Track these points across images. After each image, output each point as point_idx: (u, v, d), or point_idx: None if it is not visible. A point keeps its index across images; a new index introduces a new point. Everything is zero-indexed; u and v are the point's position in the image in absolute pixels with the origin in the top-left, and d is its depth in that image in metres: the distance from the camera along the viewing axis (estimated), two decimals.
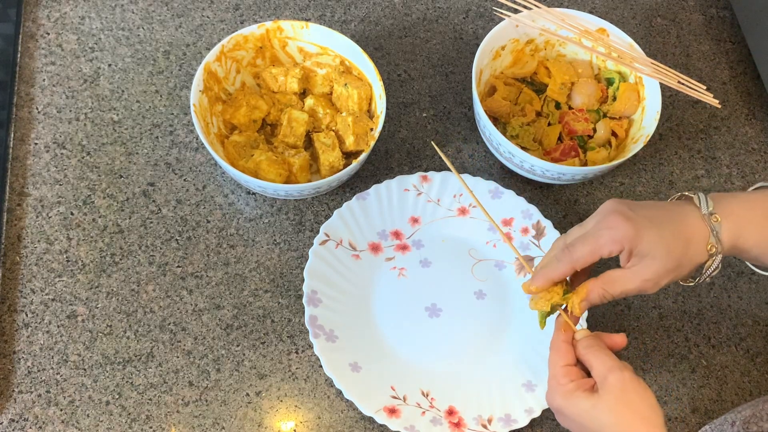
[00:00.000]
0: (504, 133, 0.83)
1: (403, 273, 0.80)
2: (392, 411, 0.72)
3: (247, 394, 0.74)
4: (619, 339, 0.62)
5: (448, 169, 0.86)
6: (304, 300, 0.75)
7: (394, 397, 0.73)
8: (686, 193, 0.63)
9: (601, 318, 0.81)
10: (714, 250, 0.60)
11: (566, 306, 0.64)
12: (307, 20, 0.89)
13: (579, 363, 0.61)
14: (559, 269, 0.62)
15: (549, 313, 0.64)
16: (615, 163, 0.78)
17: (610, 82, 0.87)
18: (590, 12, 0.90)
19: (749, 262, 0.66)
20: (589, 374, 0.60)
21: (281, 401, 0.74)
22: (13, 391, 0.71)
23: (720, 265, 0.61)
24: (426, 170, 0.84)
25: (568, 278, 0.64)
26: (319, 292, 0.76)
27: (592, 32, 0.84)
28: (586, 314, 0.77)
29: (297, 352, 0.76)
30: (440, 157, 0.87)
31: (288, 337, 0.77)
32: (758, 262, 0.64)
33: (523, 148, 0.82)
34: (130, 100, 0.86)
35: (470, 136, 0.89)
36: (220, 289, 0.78)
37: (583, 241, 0.61)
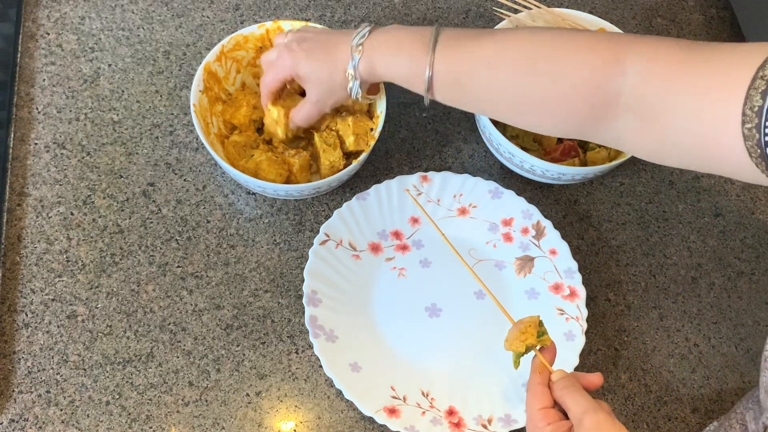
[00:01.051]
0: (504, 133, 0.83)
1: (403, 273, 0.80)
2: (392, 411, 0.72)
3: (247, 394, 0.74)
4: (595, 378, 0.62)
5: (448, 169, 0.86)
6: (304, 300, 0.75)
7: (394, 397, 0.73)
8: (363, 23, 0.70)
9: (601, 318, 0.81)
10: (350, 75, 0.69)
11: (540, 347, 0.64)
12: (307, 20, 0.89)
13: (556, 404, 0.61)
14: (263, 100, 0.77)
15: (523, 354, 0.64)
16: (615, 163, 0.78)
17: None
18: (590, 12, 0.90)
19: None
20: (566, 415, 0.60)
21: (281, 401, 0.74)
22: (13, 391, 0.71)
23: (359, 90, 0.70)
24: (426, 170, 0.84)
25: (541, 319, 0.65)
26: (319, 292, 0.76)
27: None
28: (586, 314, 0.77)
29: (297, 352, 0.76)
30: (440, 158, 0.87)
31: (288, 337, 0.77)
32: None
33: (523, 148, 0.82)
34: (130, 100, 0.86)
35: (470, 136, 0.89)
36: (220, 289, 0.78)
37: (267, 68, 0.75)
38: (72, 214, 0.79)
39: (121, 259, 0.78)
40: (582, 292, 0.78)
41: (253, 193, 0.83)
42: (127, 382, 0.73)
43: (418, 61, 0.66)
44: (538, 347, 0.64)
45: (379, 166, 0.86)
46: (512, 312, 0.79)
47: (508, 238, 0.82)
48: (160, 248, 0.79)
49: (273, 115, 0.77)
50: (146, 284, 0.77)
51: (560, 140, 0.85)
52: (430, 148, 0.88)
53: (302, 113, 0.75)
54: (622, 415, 0.77)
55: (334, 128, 0.82)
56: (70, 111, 0.84)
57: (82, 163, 0.82)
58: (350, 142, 0.79)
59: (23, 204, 0.79)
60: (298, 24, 0.81)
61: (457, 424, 0.73)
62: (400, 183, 0.82)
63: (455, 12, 0.97)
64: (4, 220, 0.77)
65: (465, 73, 0.65)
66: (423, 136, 0.88)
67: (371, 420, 0.73)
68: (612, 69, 0.59)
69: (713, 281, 0.85)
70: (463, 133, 0.89)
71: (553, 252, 0.81)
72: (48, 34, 0.88)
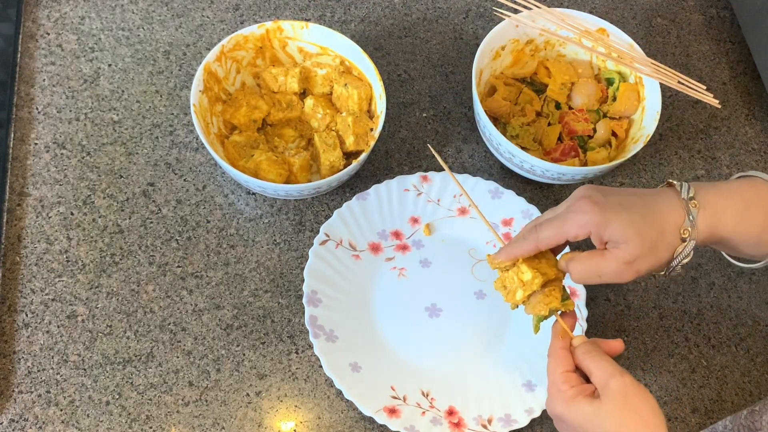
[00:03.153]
0: (504, 133, 0.83)
1: (403, 273, 0.80)
2: (392, 411, 0.72)
3: (247, 394, 0.74)
4: (617, 345, 0.62)
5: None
6: (304, 300, 0.75)
7: (394, 397, 0.73)
8: (670, 180, 0.63)
9: (601, 318, 0.81)
10: (687, 234, 0.60)
11: (562, 312, 0.63)
12: (307, 20, 0.89)
13: (578, 369, 0.61)
14: (522, 247, 0.62)
15: (545, 317, 0.64)
16: (615, 163, 0.78)
17: (610, 82, 0.87)
18: (590, 12, 0.90)
19: (726, 254, 0.66)
20: (588, 380, 0.60)
21: (281, 401, 0.74)
22: (13, 391, 0.71)
23: (692, 253, 0.61)
24: (426, 170, 0.84)
25: (565, 286, 0.63)
26: (319, 292, 0.76)
27: (592, 32, 0.84)
28: (586, 314, 0.77)
29: (297, 352, 0.76)
30: (434, 149, 0.87)
31: (288, 337, 0.77)
32: (736, 252, 0.64)
33: (523, 148, 0.82)
34: (130, 100, 0.86)
35: (470, 136, 0.89)
36: (220, 289, 0.78)
37: (549, 223, 0.62)
38: (72, 214, 0.79)
39: (121, 259, 0.78)
40: (582, 292, 0.78)
41: (253, 193, 0.83)
42: (127, 382, 0.73)
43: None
44: (559, 312, 0.63)
45: (379, 166, 0.86)
46: (512, 312, 0.79)
47: (508, 238, 0.82)
48: (160, 248, 0.79)
49: (523, 277, 0.62)
50: (146, 284, 0.77)
51: (560, 140, 0.85)
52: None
53: (605, 269, 0.60)
54: None
55: (334, 128, 0.82)
56: (70, 111, 0.84)
57: (82, 163, 0.82)
58: (350, 142, 0.79)
59: (23, 204, 0.79)
60: (298, 24, 0.81)
61: (457, 424, 0.73)
62: (400, 183, 0.82)
63: (455, 12, 0.97)
64: (4, 220, 0.77)
65: None
66: (423, 136, 0.88)
67: (371, 420, 0.73)
68: None
69: (713, 281, 0.85)
70: (463, 133, 0.89)
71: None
72: (48, 34, 0.88)
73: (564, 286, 0.64)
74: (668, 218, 0.60)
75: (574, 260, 0.62)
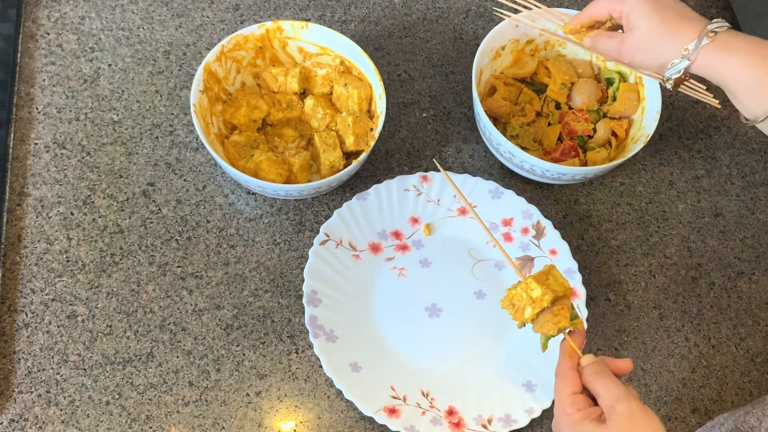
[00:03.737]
0: (504, 133, 0.83)
1: (403, 273, 0.80)
2: (392, 411, 0.72)
3: (247, 394, 0.74)
4: (625, 365, 0.61)
5: (449, 169, 0.86)
6: (304, 300, 0.75)
7: (394, 397, 0.73)
8: (718, 20, 0.66)
9: (601, 318, 0.81)
10: (686, 53, 0.64)
11: (570, 330, 0.63)
12: (307, 20, 0.89)
13: (585, 390, 0.60)
14: (580, 15, 0.73)
15: (553, 336, 0.63)
16: (615, 163, 0.78)
17: (610, 82, 0.87)
18: None
19: (729, 97, 0.68)
20: (595, 401, 0.59)
21: (281, 401, 0.74)
22: (13, 391, 0.71)
23: (682, 72, 0.66)
24: (426, 170, 0.84)
25: (575, 305, 0.63)
26: (319, 292, 0.76)
27: None
28: (586, 314, 0.77)
29: (297, 352, 0.76)
30: (440, 157, 0.87)
31: (288, 337, 0.77)
32: (732, 99, 0.66)
33: (523, 148, 0.82)
34: (130, 100, 0.86)
35: (470, 136, 0.89)
36: (220, 289, 0.78)
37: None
38: (72, 214, 0.79)
39: (121, 259, 0.78)
40: (582, 292, 0.78)
41: (253, 193, 0.83)
42: (127, 382, 0.73)
43: None
44: (568, 330, 0.63)
45: (379, 166, 0.86)
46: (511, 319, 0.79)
47: (508, 238, 0.82)
48: (160, 248, 0.79)
49: (533, 293, 0.63)
50: (146, 284, 0.77)
51: (560, 140, 0.85)
52: (430, 148, 0.88)
53: (604, 44, 0.70)
54: None
55: (334, 128, 0.82)
56: (70, 111, 0.84)
57: (82, 163, 0.82)
58: (350, 142, 0.79)
59: (23, 204, 0.79)
60: (298, 24, 0.81)
61: (457, 424, 0.73)
62: (400, 183, 0.82)
63: (455, 12, 0.97)
64: (4, 220, 0.77)
65: None
66: (423, 136, 0.88)
67: (371, 420, 0.73)
68: None
69: (713, 281, 0.85)
70: (463, 133, 0.89)
71: (553, 252, 0.81)
72: (48, 34, 0.88)
73: (573, 305, 0.63)
74: (682, 32, 0.65)
75: (598, 34, 0.71)
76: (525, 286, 0.62)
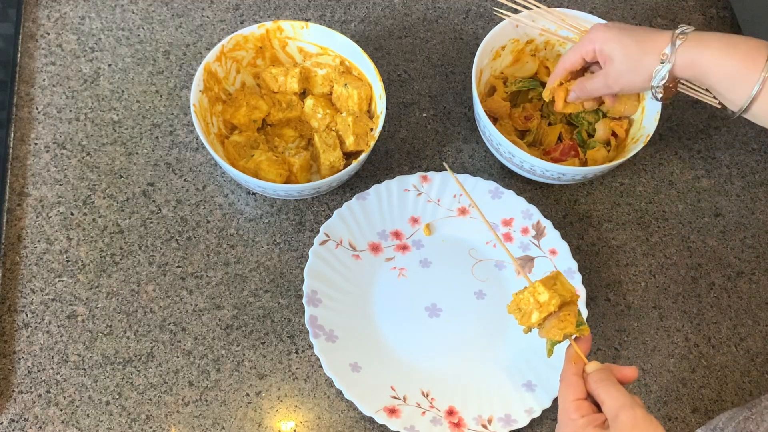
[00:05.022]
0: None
1: (403, 273, 0.80)
2: (392, 411, 0.72)
3: (247, 394, 0.74)
4: (630, 372, 0.61)
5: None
6: (304, 300, 0.75)
7: (394, 397, 0.73)
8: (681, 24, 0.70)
9: (601, 318, 0.81)
10: (665, 57, 0.68)
11: (576, 336, 0.63)
12: (307, 20, 0.89)
13: (589, 396, 0.60)
14: (555, 73, 0.77)
15: (559, 342, 0.63)
16: (615, 163, 0.78)
17: None
18: (590, 12, 0.90)
19: (715, 95, 0.70)
20: (599, 408, 0.59)
21: (281, 401, 0.74)
22: (13, 391, 0.71)
23: (667, 76, 0.69)
24: (426, 170, 0.84)
25: (580, 312, 0.65)
26: (319, 292, 0.76)
27: None
28: (586, 314, 0.77)
29: (297, 352, 0.76)
30: (440, 158, 0.87)
31: (288, 337, 0.77)
32: (714, 90, 0.69)
33: (530, 145, 0.82)
34: (130, 100, 0.86)
35: (470, 136, 0.89)
36: (220, 289, 0.78)
37: (570, 49, 0.76)
38: (72, 214, 0.79)
39: (121, 259, 0.78)
40: (582, 292, 0.78)
41: (253, 193, 0.83)
42: (127, 382, 0.73)
43: (752, 59, 0.64)
44: (573, 337, 0.63)
45: (379, 166, 0.86)
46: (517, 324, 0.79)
47: (508, 238, 0.82)
48: (160, 248, 0.79)
49: (540, 297, 0.62)
50: (146, 284, 0.77)
51: (560, 140, 0.85)
52: (430, 148, 0.88)
53: (590, 85, 0.75)
54: None
55: (334, 128, 0.82)
56: (70, 111, 0.84)
57: (82, 163, 0.82)
58: (350, 142, 0.79)
59: (23, 204, 0.79)
60: (298, 24, 0.81)
61: (457, 424, 0.73)
62: (400, 183, 0.82)
63: (455, 12, 0.97)
64: (4, 220, 0.77)
65: None
66: (423, 136, 0.88)
67: (371, 420, 0.73)
68: None
69: (713, 281, 0.85)
70: (463, 133, 0.89)
71: (553, 252, 0.81)
72: (48, 34, 0.88)
73: (579, 311, 0.63)
74: (654, 43, 0.69)
75: (579, 81, 0.76)
76: (532, 290, 0.62)
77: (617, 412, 0.57)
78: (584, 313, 0.77)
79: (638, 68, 0.70)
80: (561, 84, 0.78)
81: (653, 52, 0.69)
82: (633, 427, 0.56)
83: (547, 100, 0.79)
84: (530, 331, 0.64)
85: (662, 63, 0.69)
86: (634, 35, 0.71)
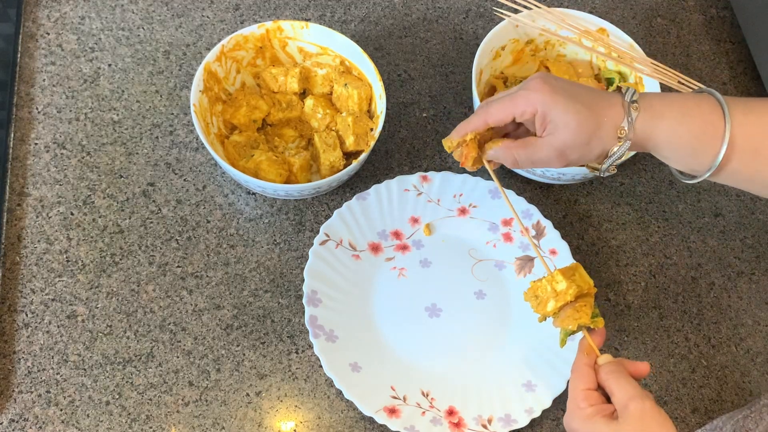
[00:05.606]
0: None
1: (403, 273, 0.80)
2: (392, 411, 0.72)
3: (247, 394, 0.74)
4: (643, 367, 0.61)
5: (448, 169, 0.86)
6: (304, 300, 0.75)
7: (394, 397, 0.73)
8: (620, 85, 0.63)
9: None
10: (623, 134, 0.61)
11: (590, 328, 0.63)
12: (307, 20, 0.89)
13: (600, 388, 0.60)
14: (473, 122, 0.65)
15: (573, 332, 0.63)
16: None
17: (610, 82, 0.87)
18: (590, 12, 0.90)
19: (672, 168, 0.66)
20: (609, 400, 0.59)
21: (281, 401, 0.74)
22: (13, 391, 0.71)
23: (624, 154, 0.62)
24: (426, 170, 0.84)
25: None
26: (319, 292, 0.76)
27: (592, 32, 0.84)
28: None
29: (297, 352, 0.76)
30: (440, 158, 0.87)
31: (288, 337, 0.77)
32: (673, 163, 0.64)
33: None
34: (130, 100, 0.86)
35: None
36: (220, 289, 0.78)
37: (501, 100, 0.64)
38: (72, 214, 0.79)
39: (121, 259, 0.78)
40: None
41: (253, 193, 0.83)
42: (127, 382, 0.73)
43: (711, 123, 0.60)
44: (588, 328, 0.63)
45: (379, 166, 0.86)
46: (513, 312, 0.79)
47: (508, 238, 0.82)
48: (160, 248, 0.79)
49: (557, 286, 0.62)
50: (146, 284, 0.77)
51: None
52: (430, 148, 0.88)
53: (537, 155, 0.63)
54: None
55: (334, 128, 0.82)
56: (70, 111, 0.84)
57: (82, 163, 0.82)
58: (350, 142, 0.79)
59: (23, 204, 0.79)
60: (298, 24, 0.81)
61: (457, 424, 0.73)
62: (400, 183, 0.82)
63: (455, 12, 0.97)
64: (4, 220, 0.77)
65: None
66: (423, 136, 0.88)
67: (371, 420, 0.73)
68: None
69: (713, 281, 0.85)
70: None
71: (553, 252, 0.81)
72: (48, 34, 0.88)
73: (595, 303, 0.63)
74: (608, 115, 0.61)
75: (509, 147, 0.64)
76: (550, 278, 0.62)
77: (627, 402, 0.57)
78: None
79: (592, 144, 0.62)
80: (472, 138, 0.66)
81: (608, 126, 0.61)
82: (641, 419, 0.56)
83: (448, 150, 0.68)
84: (545, 319, 0.65)
85: (620, 140, 0.62)
86: (583, 100, 0.61)
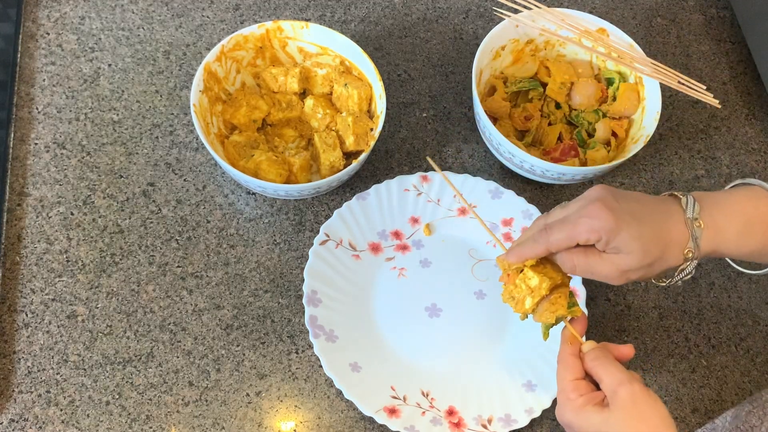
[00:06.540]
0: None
1: (403, 273, 0.80)
2: (392, 411, 0.72)
3: (247, 394, 0.74)
4: (626, 350, 0.61)
5: (449, 169, 0.86)
6: (304, 300, 0.75)
7: (394, 397, 0.73)
8: (675, 193, 0.63)
9: (601, 318, 0.81)
10: (691, 255, 0.61)
11: (571, 318, 0.63)
12: (307, 20, 0.89)
13: (588, 376, 0.60)
14: (534, 249, 0.62)
15: (553, 325, 0.63)
16: (615, 163, 0.78)
17: (610, 82, 0.87)
18: (590, 12, 0.90)
19: (730, 260, 0.66)
20: (598, 387, 0.60)
21: (281, 401, 0.74)
22: (13, 391, 0.71)
23: (693, 271, 0.62)
24: (426, 170, 0.84)
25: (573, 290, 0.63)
26: (319, 292, 0.76)
27: (592, 32, 0.84)
28: (586, 313, 0.77)
29: (297, 352, 0.76)
30: (440, 158, 0.87)
31: (288, 337, 0.77)
32: (737, 262, 0.65)
33: (531, 144, 0.82)
34: (130, 100, 0.86)
35: (470, 136, 0.89)
36: (220, 289, 0.78)
37: (561, 226, 0.61)
38: (72, 214, 0.79)
39: (121, 259, 0.78)
40: (582, 291, 0.78)
41: (253, 193, 0.83)
42: (127, 382, 0.73)
43: None
44: (568, 318, 0.63)
45: (379, 166, 0.86)
46: (512, 312, 0.79)
47: (508, 238, 0.82)
48: (160, 248, 0.79)
49: (530, 282, 0.62)
50: (146, 284, 0.77)
51: (560, 140, 0.85)
52: (430, 148, 0.88)
53: (597, 269, 0.61)
54: None
55: (334, 128, 0.82)
56: (70, 111, 0.84)
57: (82, 163, 0.82)
58: (350, 142, 0.79)
59: (23, 204, 0.79)
60: (298, 24, 0.81)
61: (457, 424, 0.73)
62: (400, 183, 0.82)
63: (455, 12, 0.97)
64: (4, 220, 0.77)
65: None
66: (423, 136, 0.88)
67: (371, 420, 0.73)
68: None
69: (713, 281, 0.85)
70: (463, 133, 0.89)
71: None
72: (48, 34, 0.88)
73: (571, 292, 0.63)
74: (673, 237, 0.60)
75: (573, 253, 0.61)
76: (523, 276, 0.62)
77: (615, 388, 0.57)
78: (585, 312, 0.77)
79: (655, 265, 0.60)
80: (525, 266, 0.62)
81: (673, 248, 0.60)
82: (632, 403, 0.56)
83: (501, 268, 0.64)
84: (526, 317, 0.65)
85: (687, 260, 0.61)
86: (647, 222, 0.60)
